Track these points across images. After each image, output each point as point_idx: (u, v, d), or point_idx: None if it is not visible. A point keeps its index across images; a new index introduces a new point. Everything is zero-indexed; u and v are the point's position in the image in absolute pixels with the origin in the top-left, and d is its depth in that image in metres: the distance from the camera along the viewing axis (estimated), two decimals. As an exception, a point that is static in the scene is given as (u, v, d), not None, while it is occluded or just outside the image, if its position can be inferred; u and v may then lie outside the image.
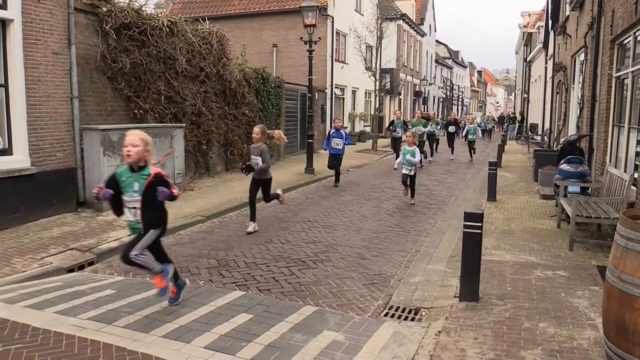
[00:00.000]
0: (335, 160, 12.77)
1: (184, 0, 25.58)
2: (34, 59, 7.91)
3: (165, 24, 10.93)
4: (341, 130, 12.76)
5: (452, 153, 20.35)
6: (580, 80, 13.26)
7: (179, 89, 11.43)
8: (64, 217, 8.34)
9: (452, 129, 20.72)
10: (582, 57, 12.85)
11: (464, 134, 20.07)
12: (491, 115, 56.51)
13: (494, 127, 40.79)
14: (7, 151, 7.76)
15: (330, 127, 24.68)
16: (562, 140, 11.96)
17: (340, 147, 12.63)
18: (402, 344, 4.08)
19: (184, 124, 11.36)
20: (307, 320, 4.52)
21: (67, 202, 8.58)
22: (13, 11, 7.56)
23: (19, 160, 7.80)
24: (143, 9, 10.84)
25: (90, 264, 6.44)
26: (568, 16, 15.55)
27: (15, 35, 7.61)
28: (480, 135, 35.51)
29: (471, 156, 19.80)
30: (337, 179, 13.11)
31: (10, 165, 7.63)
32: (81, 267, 6.31)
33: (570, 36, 15.14)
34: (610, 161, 8.96)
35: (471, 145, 19.67)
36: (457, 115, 51.40)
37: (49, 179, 8.18)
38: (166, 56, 11.00)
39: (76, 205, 8.78)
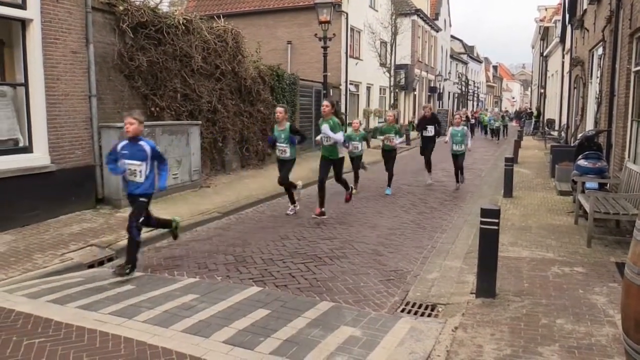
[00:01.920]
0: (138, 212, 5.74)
1: (199, -2, 25.70)
2: (53, 58, 8.03)
3: (181, 22, 11.02)
4: (143, 142, 5.70)
5: (430, 172, 12.86)
6: (598, 75, 13.11)
7: (194, 87, 11.52)
8: (83, 213, 8.47)
9: (428, 131, 12.61)
10: (600, 51, 12.70)
11: (446, 140, 12.36)
12: (503, 110, 53.82)
13: (506, 125, 33.50)
14: (27, 149, 7.89)
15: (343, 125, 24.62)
16: (579, 135, 11.85)
17: (141, 180, 5.69)
18: (419, 340, 4.10)
19: (200, 122, 11.45)
20: (324, 316, 4.56)
21: (86, 199, 8.70)
22: (32, 11, 7.67)
23: (39, 157, 7.93)
24: (158, 7, 10.95)
25: (110, 259, 6.53)
26: (586, 10, 15.36)
27: (34, 35, 7.72)
28: (489, 136, 30.71)
29: (457, 177, 12.30)
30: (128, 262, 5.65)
31: (31, 163, 7.76)
32: (101, 263, 6.41)
33: (587, 30, 14.95)
34: (629, 157, 8.86)
35: (456, 160, 12.08)
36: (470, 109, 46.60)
37: (68, 176, 8.30)
38: (182, 54, 11.09)
39: (95, 202, 8.90)
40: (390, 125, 11.67)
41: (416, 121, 23.58)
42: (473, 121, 33.43)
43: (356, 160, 11.55)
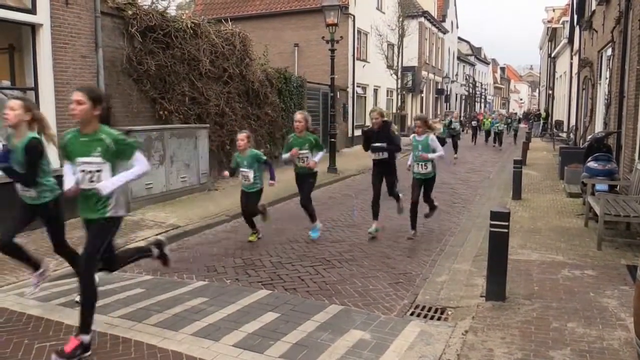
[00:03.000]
0: None
1: (206, 2, 25.82)
2: (63, 63, 8.10)
3: (189, 26, 11.08)
4: None
5: (376, 219, 7.90)
6: (607, 76, 13.03)
7: (202, 90, 11.56)
8: (93, 217, 8.48)
9: (378, 152, 7.70)
10: (609, 52, 12.64)
11: (409, 163, 8.03)
12: (511, 113, 51.38)
13: (516, 130, 29.86)
14: (37, 153, 7.94)
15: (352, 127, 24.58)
16: (589, 137, 11.78)
17: None
18: (429, 344, 4.08)
19: (207, 125, 11.49)
20: (333, 319, 4.55)
21: (95, 202, 8.73)
22: (42, 16, 7.75)
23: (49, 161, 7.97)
24: (167, 11, 11.01)
25: (119, 263, 6.55)
26: (594, 10, 15.29)
27: (44, 40, 7.80)
28: (491, 142, 25.52)
29: (413, 223, 7.87)
30: None
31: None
32: (110, 266, 6.42)
33: (596, 31, 14.88)
34: (639, 158, 8.79)
35: (421, 187, 7.78)
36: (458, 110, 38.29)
37: (77, 179, 8.34)
38: (190, 58, 11.14)
39: (104, 206, 8.92)
40: (302, 136, 7.43)
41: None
42: (475, 123, 29.44)
43: (251, 199, 7.34)
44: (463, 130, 20.60)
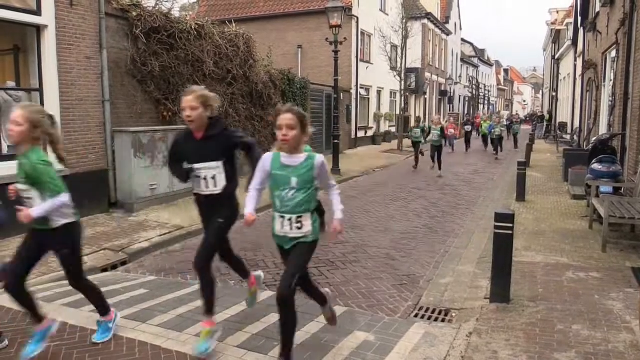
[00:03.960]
0: None
1: (210, 3, 25.87)
2: (67, 64, 8.11)
3: (193, 27, 11.09)
4: None
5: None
6: (612, 78, 13.00)
7: (206, 91, 11.56)
8: (97, 217, 8.53)
9: (202, 180, 4.10)
10: (613, 54, 12.60)
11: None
12: (513, 115, 49.22)
13: (516, 133, 26.61)
14: (42, 154, 7.96)
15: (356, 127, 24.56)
16: (593, 139, 11.75)
17: None
18: (433, 345, 4.08)
19: (211, 126, 11.48)
20: (337, 320, 4.53)
21: (99, 203, 8.76)
22: (47, 17, 7.77)
23: (53, 162, 7.98)
24: (171, 12, 11.03)
25: (123, 263, 6.58)
26: (598, 12, 15.25)
27: (49, 41, 7.82)
28: (490, 148, 22.34)
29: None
30: None
31: (45, 168, 7.83)
32: (114, 267, 6.45)
33: (600, 33, 14.84)
34: (644, 160, 8.77)
35: (289, 259, 3.74)
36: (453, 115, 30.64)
37: (81, 180, 8.36)
38: (194, 59, 11.15)
39: (108, 206, 8.96)
40: (33, 168, 3.58)
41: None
42: (469, 128, 25.88)
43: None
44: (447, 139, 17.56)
